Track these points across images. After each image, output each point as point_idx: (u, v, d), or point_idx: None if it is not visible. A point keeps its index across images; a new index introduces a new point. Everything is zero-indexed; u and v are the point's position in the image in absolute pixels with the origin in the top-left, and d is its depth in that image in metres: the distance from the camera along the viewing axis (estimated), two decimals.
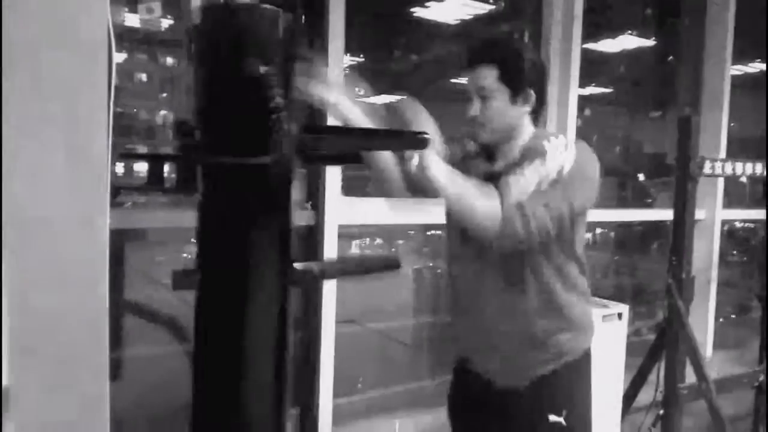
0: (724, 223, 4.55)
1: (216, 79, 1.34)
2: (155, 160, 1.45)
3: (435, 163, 1.39)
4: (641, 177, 5.23)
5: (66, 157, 0.83)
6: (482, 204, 1.44)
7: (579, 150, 1.53)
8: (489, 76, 1.56)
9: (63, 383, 0.88)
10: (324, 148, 1.54)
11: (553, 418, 1.61)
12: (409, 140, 1.57)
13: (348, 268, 1.62)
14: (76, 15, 0.81)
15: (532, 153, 1.53)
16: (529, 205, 1.45)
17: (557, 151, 1.50)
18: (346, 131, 1.49)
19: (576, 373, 1.66)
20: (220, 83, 1.33)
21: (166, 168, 1.46)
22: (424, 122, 1.38)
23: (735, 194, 5.11)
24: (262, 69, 1.26)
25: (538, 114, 1.64)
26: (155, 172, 1.44)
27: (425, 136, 1.51)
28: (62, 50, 0.81)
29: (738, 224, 5.70)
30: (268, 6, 1.33)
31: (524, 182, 1.48)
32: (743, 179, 4.58)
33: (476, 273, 1.65)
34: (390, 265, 1.57)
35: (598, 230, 5.37)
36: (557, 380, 1.63)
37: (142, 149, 3.23)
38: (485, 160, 1.67)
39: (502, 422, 1.70)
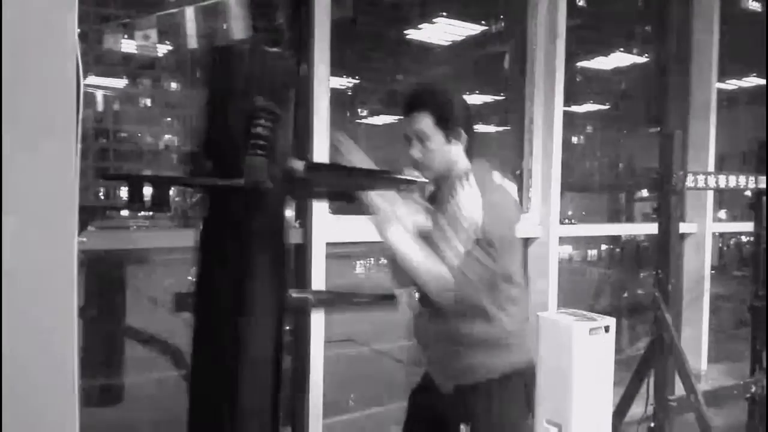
0: (730, 237, 4.48)
1: (214, 110, 1.40)
2: (134, 182, 1.51)
3: (392, 229, 1.61)
4: (645, 193, 5.23)
5: (34, 184, 0.86)
6: (431, 272, 1.62)
7: (491, 195, 1.69)
8: (425, 122, 1.75)
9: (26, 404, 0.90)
10: (317, 183, 1.59)
11: (462, 426, 1.78)
12: (397, 182, 1.67)
13: (343, 301, 1.66)
14: (42, 39, 0.84)
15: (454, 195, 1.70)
16: (466, 268, 1.62)
17: (472, 203, 1.66)
18: (341, 169, 1.56)
19: (493, 391, 1.79)
20: (217, 114, 1.40)
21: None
22: (356, 157, 1.62)
23: (739, 207, 5.10)
24: (257, 102, 1.32)
25: (471, 148, 1.82)
26: (135, 193, 1.50)
27: (415, 179, 1.64)
28: (28, 74, 0.83)
29: (744, 238, 5.65)
30: (271, 49, 1.40)
31: (454, 243, 1.63)
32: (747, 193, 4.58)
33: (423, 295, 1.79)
34: (386, 299, 1.61)
35: (603, 246, 5.38)
36: (472, 393, 1.79)
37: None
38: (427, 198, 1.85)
39: (433, 418, 1.90)
